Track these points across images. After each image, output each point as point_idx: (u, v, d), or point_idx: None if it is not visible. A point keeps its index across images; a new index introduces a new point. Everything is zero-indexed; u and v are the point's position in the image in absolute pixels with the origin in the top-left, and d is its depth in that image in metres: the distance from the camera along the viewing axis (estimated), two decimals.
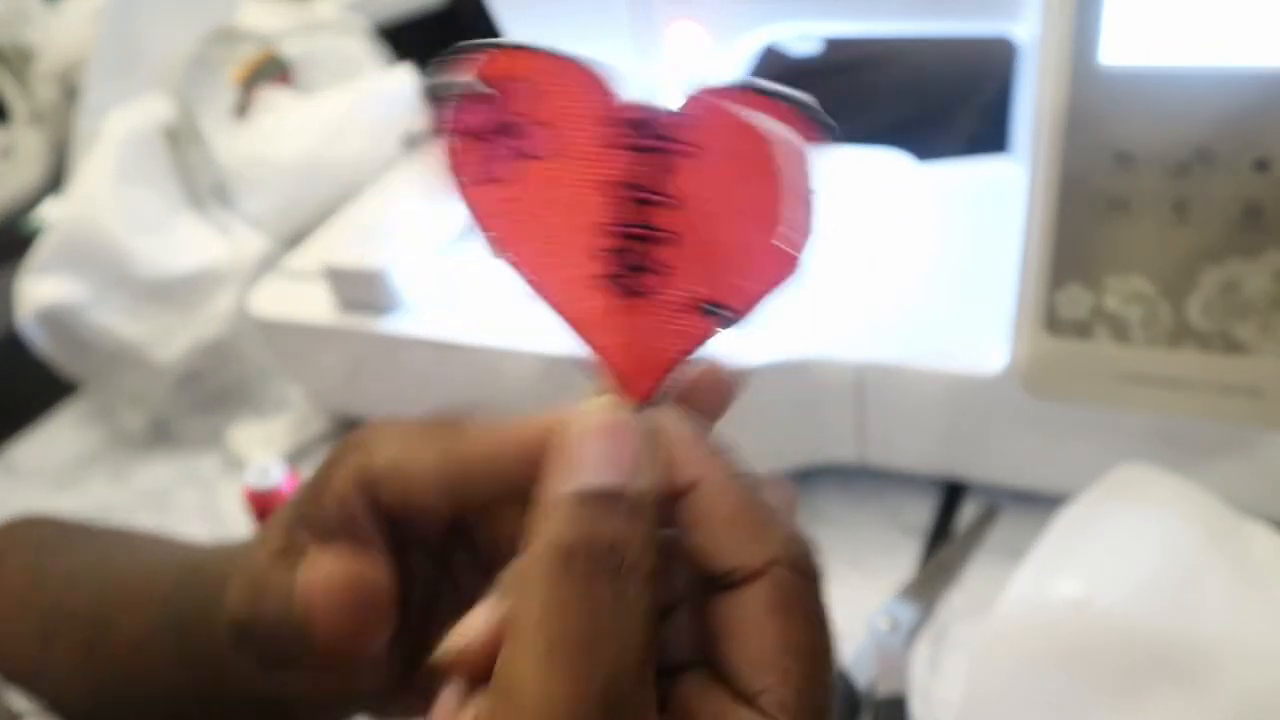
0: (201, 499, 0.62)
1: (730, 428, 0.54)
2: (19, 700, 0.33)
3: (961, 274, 0.53)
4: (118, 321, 0.62)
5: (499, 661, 0.19)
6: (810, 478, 0.55)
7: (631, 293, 0.19)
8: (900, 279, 0.54)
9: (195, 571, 0.33)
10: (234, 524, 0.59)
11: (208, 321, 0.64)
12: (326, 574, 0.23)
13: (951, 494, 0.54)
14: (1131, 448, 0.46)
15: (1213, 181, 0.38)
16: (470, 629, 0.21)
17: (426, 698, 0.23)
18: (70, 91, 0.68)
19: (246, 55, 0.76)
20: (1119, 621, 0.37)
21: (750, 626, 0.20)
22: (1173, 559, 0.39)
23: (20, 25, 0.79)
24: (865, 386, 0.50)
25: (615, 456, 0.19)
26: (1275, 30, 0.35)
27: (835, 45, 0.92)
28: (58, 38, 0.71)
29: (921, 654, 0.46)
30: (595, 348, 0.20)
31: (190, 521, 0.60)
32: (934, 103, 0.93)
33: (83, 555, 0.38)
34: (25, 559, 0.38)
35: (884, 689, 0.29)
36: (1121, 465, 0.44)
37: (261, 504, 0.51)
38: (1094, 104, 0.38)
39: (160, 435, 0.68)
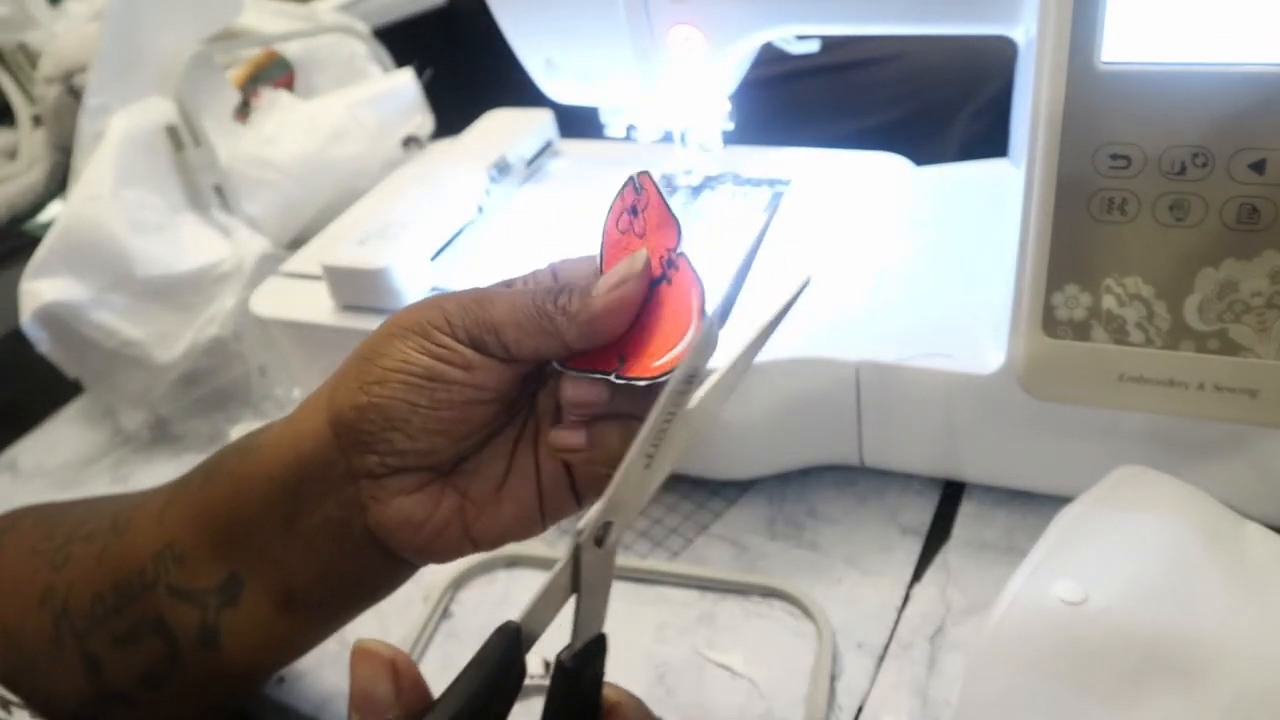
0: None
1: (731, 428, 0.55)
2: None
3: (960, 275, 0.53)
4: (119, 322, 0.62)
5: None
6: (810, 477, 0.56)
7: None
8: (899, 279, 0.54)
9: (214, 458, 0.37)
10: None
11: (209, 322, 0.64)
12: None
13: (950, 494, 0.54)
14: (1129, 448, 0.46)
15: (1210, 182, 0.38)
16: None
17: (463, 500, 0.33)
18: (73, 93, 0.68)
19: (248, 57, 0.77)
20: (1117, 622, 0.37)
21: None
22: (1170, 560, 0.39)
23: (23, 27, 0.79)
24: (864, 386, 0.50)
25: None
26: (1274, 30, 0.35)
27: (835, 45, 0.93)
28: (61, 40, 0.71)
29: (919, 654, 0.46)
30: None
31: None
32: (933, 103, 0.93)
33: (91, 505, 0.40)
34: (34, 520, 0.41)
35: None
36: (1120, 467, 0.44)
37: None
38: (1092, 104, 0.38)
39: (161, 435, 0.68)
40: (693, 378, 0.28)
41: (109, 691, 0.36)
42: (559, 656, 0.28)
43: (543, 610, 0.27)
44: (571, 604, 0.28)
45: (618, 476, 0.27)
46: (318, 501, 0.33)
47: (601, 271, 0.33)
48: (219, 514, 0.35)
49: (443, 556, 0.35)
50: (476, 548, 0.35)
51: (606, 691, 0.29)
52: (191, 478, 0.37)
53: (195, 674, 0.36)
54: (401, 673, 0.26)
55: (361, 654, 0.26)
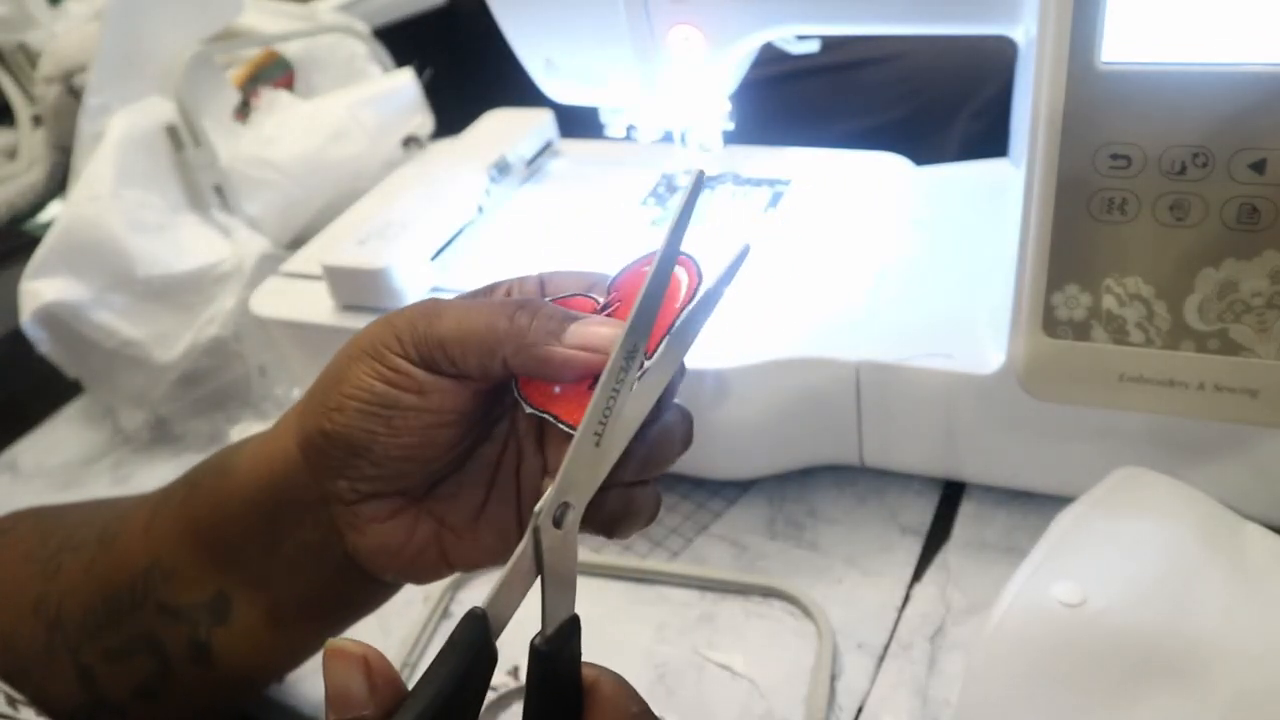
0: None
1: (731, 428, 0.55)
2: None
3: (960, 275, 0.53)
4: (119, 322, 0.62)
5: None
6: (810, 477, 0.55)
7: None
8: (899, 279, 0.54)
9: (194, 472, 0.36)
10: None
11: (208, 322, 0.64)
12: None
13: (950, 494, 0.54)
14: (1129, 449, 0.46)
15: (1210, 182, 0.38)
16: None
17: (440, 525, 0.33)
18: (73, 93, 0.68)
19: (248, 57, 0.77)
20: (1116, 623, 0.37)
21: None
22: (1170, 561, 0.39)
23: (23, 27, 0.79)
24: (864, 386, 0.50)
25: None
26: (1274, 30, 0.35)
27: (835, 45, 0.93)
28: (61, 39, 0.71)
29: (919, 654, 0.46)
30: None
31: None
32: (933, 103, 0.93)
33: (82, 512, 0.40)
34: (30, 524, 0.41)
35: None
36: (1120, 468, 0.45)
37: None
38: (1092, 104, 0.38)
39: (161, 435, 0.68)
40: (633, 354, 0.28)
41: (103, 703, 0.36)
42: (533, 642, 0.28)
43: (508, 594, 0.27)
44: (543, 590, 0.28)
45: (568, 456, 0.27)
46: (294, 525, 0.33)
47: (609, 289, 0.32)
48: (203, 533, 0.35)
49: (423, 579, 0.34)
50: (454, 571, 0.34)
51: (585, 671, 0.29)
52: (173, 492, 0.36)
53: (188, 688, 0.36)
54: (374, 669, 0.26)
55: (334, 653, 0.26)
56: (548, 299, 0.32)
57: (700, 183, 0.28)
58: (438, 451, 0.32)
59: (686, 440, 0.32)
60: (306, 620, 0.35)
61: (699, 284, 0.30)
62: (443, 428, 0.31)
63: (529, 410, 0.30)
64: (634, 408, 0.28)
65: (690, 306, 0.29)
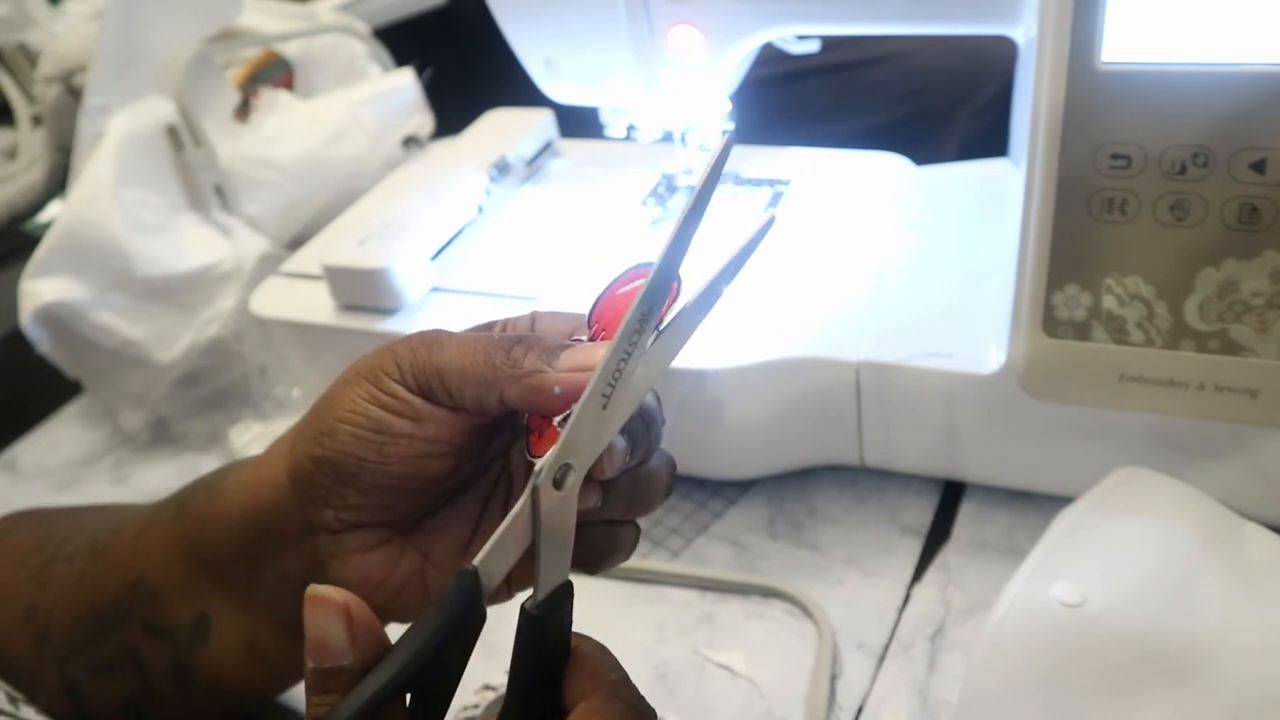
0: None
1: (731, 428, 0.55)
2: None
3: (960, 274, 0.53)
4: (119, 322, 0.62)
5: None
6: (810, 477, 0.56)
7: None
8: (899, 279, 0.54)
9: (187, 489, 0.36)
10: None
11: (208, 322, 0.64)
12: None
13: (950, 494, 0.54)
14: (1129, 448, 0.46)
15: (1210, 182, 0.38)
16: None
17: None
18: (73, 93, 0.68)
19: (248, 57, 0.77)
20: (1116, 623, 0.37)
21: None
22: (1170, 561, 0.39)
23: (23, 27, 0.79)
24: (864, 386, 0.50)
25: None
26: (1274, 30, 0.35)
27: (835, 45, 0.93)
28: (60, 39, 0.71)
29: (919, 653, 0.46)
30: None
31: None
32: (933, 103, 0.93)
33: (78, 519, 0.40)
34: (27, 528, 0.41)
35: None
36: (1120, 468, 0.45)
37: None
38: (1092, 104, 0.38)
39: (161, 435, 0.68)
40: (647, 316, 0.27)
41: (91, 718, 0.36)
42: (524, 605, 0.27)
43: (501, 553, 0.27)
44: (537, 554, 0.28)
45: (574, 416, 0.27)
46: (277, 553, 0.32)
47: (590, 323, 0.32)
48: (189, 553, 0.34)
49: (403, 618, 0.33)
50: None
51: (573, 639, 0.28)
52: (165, 508, 0.36)
53: (171, 707, 0.36)
54: (356, 618, 0.25)
55: (314, 600, 0.25)
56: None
57: (729, 146, 0.27)
58: (426, 483, 0.31)
59: (669, 487, 0.32)
60: (287, 647, 0.35)
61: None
62: (434, 458, 0.30)
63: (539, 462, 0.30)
64: (644, 374, 0.28)
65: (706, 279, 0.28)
